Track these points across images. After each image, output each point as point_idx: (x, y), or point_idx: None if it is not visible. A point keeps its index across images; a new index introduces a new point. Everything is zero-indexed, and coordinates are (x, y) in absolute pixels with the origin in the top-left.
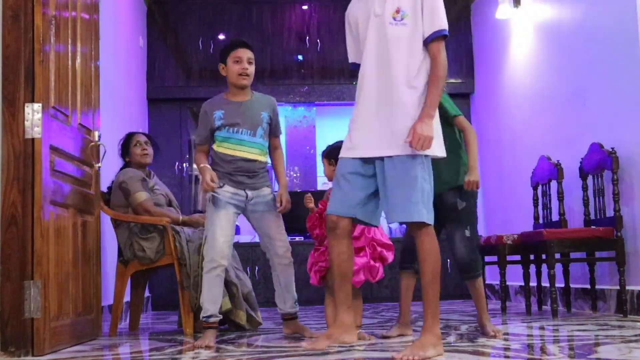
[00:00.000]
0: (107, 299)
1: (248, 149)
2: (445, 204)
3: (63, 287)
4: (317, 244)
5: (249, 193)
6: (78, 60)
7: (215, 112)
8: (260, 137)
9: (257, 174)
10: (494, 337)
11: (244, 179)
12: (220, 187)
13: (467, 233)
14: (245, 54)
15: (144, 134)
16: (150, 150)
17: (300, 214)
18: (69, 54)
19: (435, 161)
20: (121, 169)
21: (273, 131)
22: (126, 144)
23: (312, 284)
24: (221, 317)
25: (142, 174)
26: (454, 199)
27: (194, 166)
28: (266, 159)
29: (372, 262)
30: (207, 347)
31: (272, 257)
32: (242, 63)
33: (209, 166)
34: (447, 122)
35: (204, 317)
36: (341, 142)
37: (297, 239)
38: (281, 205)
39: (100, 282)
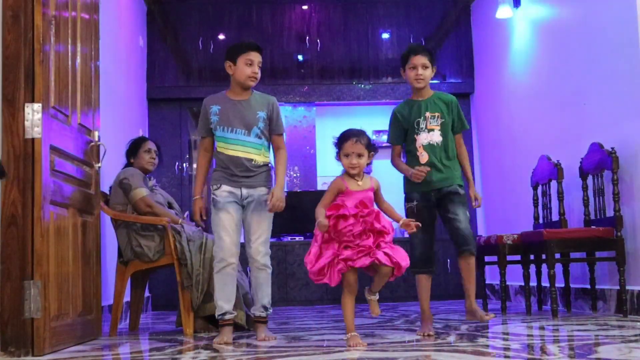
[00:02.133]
0: (107, 299)
1: (243, 148)
2: (449, 192)
3: (63, 287)
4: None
5: (244, 191)
6: (78, 60)
7: (212, 106)
8: (255, 137)
9: (254, 173)
10: (487, 320)
11: (240, 178)
12: (217, 188)
13: (468, 213)
14: (257, 57)
15: (155, 143)
16: (157, 160)
17: (298, 215)
18: (69, 54)
19: (443, 163)
20: (123, 168)
21: (273, 129)
22: (136, 146)
23: (331, 286)
24: (235, 313)
25: (142, 174)
26: (456, 188)
27: (194, 166)
28: (265, 158)
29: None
30: (226, 344)
31: (248, 257)
32: (254, 66)
33: (199, 198)
34: (454, 130)
35: (219, 315)
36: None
37: (297, 238)
38: (270, 203)
39: (100, 282)
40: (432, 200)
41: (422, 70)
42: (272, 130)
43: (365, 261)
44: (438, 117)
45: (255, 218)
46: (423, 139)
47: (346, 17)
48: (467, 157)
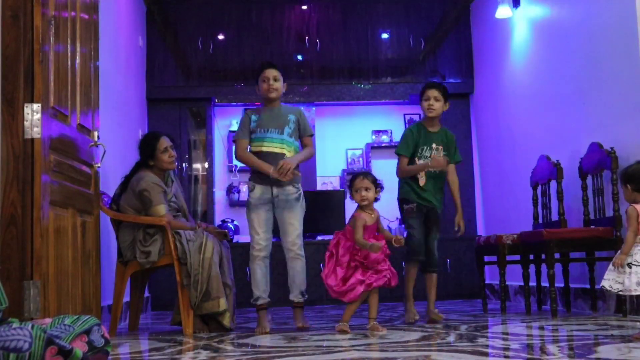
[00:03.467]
0: (106, 299)
1: (275, 144)
2: (436, 215)
3: (62, 287)
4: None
5: (275, 190)
6: (77, 61)
7: (252, 115)
8: (287, 135)
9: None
10: (439, 320)
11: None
12: (252, 189)
13: (439, 236)
14: (271, 73)
15: (168, 135)
16: (175, 154)
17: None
18: (69, 54)
19: (438, 185)
20: (137, 169)
21: (302, 132)
22: (152, 148)
23: (347, 301)
24: (269, 300)
25: (162, 184)
26: (439, 213)
27: (194, 166)
28: (294, 154)
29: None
30: (265, 333)
31: (284, 249)
32: (269, 81)
33: (272, 168)
34: (449, 161)
35: (253, 300)
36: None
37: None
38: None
39: (99, 282)
40: (423, 212)
41: (433, 101)
42: (302, 132)
43: (380, 282)
44: (441, 149)
45: (287, 214)
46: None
47: (346, 17)
48: (458, 186)
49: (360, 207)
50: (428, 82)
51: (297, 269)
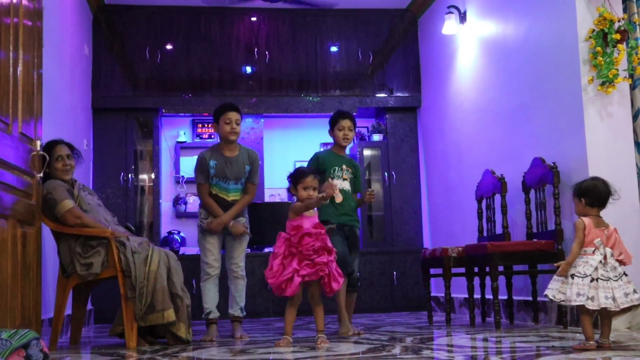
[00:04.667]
0: (47, 312)
1: (233, 193)
2: (355, 235)
3: (1, 300)
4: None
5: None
6: (20, 68)
7: (210, 161)
8: (241, 184)
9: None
10: (358, 335)
11: (224, 210)
12: (206, 217)
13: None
14: (234, 116)
15: (68, 145)
16: (74, 162)
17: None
18: (10, 61)
19: (350, 205)
20: (43, 181)
21: (250, 178)
22: (47, 154)
23: (287, 295)
24: (219, 314)
25: (66, 184)
26: (357, 232)
27: (140, 177)
28: None
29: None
30: (212, 341)
31: (227, 270)
32: (232, 124)
33: (225, 214)
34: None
35: (204, 315)
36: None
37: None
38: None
39: (40, 294)
40: (344, 231)
41: (348, 131)
42: (248, 179)
43: (314, 277)
44: (350, 171)
45: (236, 240)
46: (339, 184)
47: (295, 29)
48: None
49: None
50: (339, 111)
51: (239, 287)
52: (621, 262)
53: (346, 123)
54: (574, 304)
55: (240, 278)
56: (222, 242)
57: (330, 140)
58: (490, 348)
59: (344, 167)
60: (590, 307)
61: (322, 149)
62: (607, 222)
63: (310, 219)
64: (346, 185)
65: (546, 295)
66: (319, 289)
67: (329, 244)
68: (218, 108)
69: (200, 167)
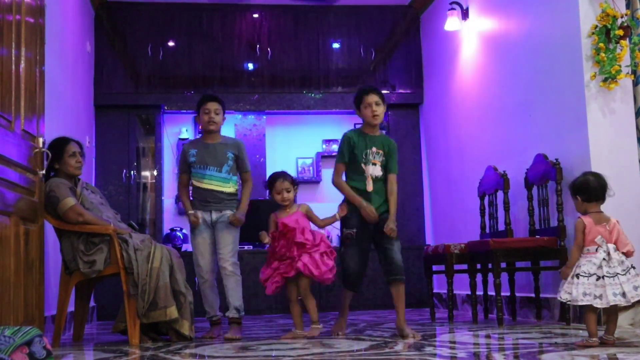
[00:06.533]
0: (50, 309)
1: (214, 181)
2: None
3: (3, 297)
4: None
5: (214, 215)
6: (22, 65)
7: (191, 150)
8: (225, 173)
9: (222, 200)
10: (413, 338)
11: (210, 204)
12: (194, 213)
13: (399, 244)
14: (212, 106)
15: (77, 142)
16: (83, 160)
17: (248, 224)
18: (13, 59)
19: (380, 194)
20: (46, 179)
21: (240, 167)
22: (60, 149)
23: (267, 294)
24: (221, 314)
25: (69, 182)
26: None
27: (142, 174)
28: (232, 189)
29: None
30: (211, 338)
31: (219, 267)
32: (210, 114)
33: (193, 212)
34: (388, 171)
35: (207, 317)
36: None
37: (246, 247)
38: (234, 218)
39: (43, 291)
40: (370, 228)
41: (375, 107)
42: (240, 168)
43: (291, 273)
44: (382, 154)
45: (222, 234)
46: (370, 170)
47: (297, 25)
48: (396, 198)
49: (280, 208)
50: (362, 87)
51: (231, 285)
52: (627, 254)
53: (372, 98)
54: (580, 303)
55: (230, 275)
56: (214, 237)
57: (333, 136)
58: (493, 345)
59: (374, 149)
60: (599, 306)
61: (354, 127)
62: (609, 216)
63: (286, 219)
64: (377, 172)
65: (559, 298)
66: (306, 282)
67: (303, 237)
68: (199, 100)
69: (182, 157)
